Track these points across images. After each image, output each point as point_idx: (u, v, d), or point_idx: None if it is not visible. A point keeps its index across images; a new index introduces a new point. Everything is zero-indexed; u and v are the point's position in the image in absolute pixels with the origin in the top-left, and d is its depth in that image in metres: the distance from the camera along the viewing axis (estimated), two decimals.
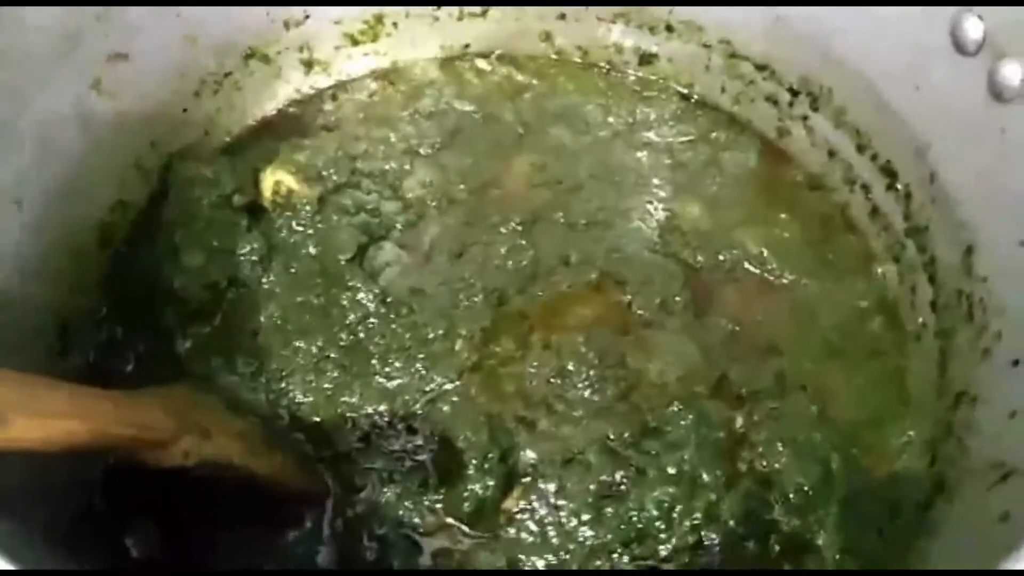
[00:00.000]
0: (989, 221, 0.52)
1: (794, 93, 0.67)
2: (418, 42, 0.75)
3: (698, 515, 0.51)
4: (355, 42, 0.73)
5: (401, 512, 0.52)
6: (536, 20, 0.74)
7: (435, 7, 0.73)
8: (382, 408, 0.55)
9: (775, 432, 0.54)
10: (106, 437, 0.43)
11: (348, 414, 0.55)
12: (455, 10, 0.73)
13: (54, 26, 0.52)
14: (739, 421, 0.55)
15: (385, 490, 0.53)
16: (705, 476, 0.52)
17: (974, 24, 0.50)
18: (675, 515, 0.51)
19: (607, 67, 0.76)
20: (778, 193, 0.69)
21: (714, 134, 0.72)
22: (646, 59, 0.75)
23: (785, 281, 0.63)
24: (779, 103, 0.69)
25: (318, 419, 0.55)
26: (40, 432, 0.41)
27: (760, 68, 0.69)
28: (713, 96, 0.73)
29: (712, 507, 0.51)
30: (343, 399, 0.55)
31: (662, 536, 0.50)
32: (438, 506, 0.52)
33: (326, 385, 0.56)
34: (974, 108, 0.51)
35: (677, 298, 0.61)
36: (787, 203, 0.68)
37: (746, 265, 0.64)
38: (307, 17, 0.69)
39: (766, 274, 0.64)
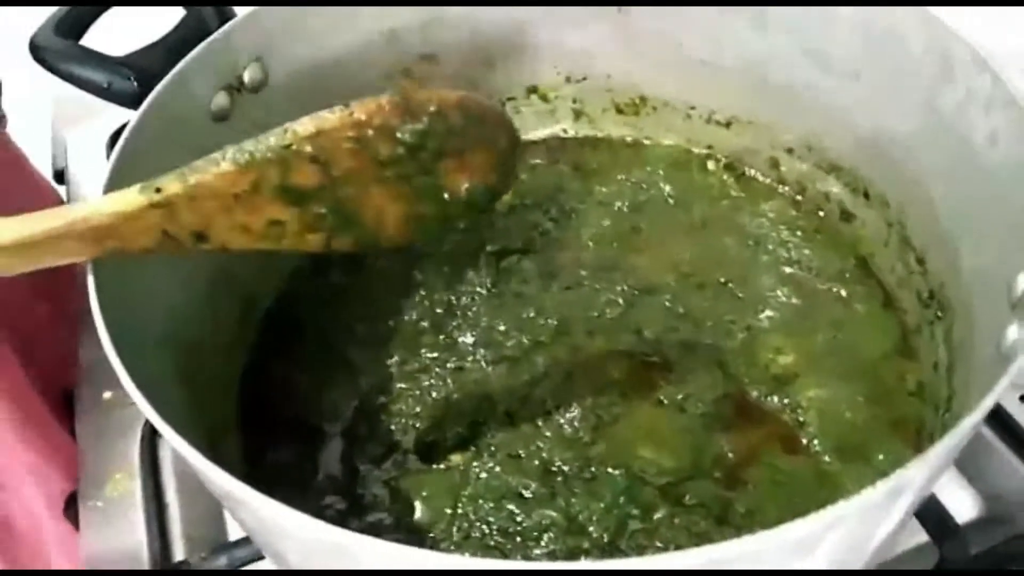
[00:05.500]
0: None
1: (932, 296, 0.67)
2: (670, 129, 0.88)
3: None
4: (619, 111, 0.90)
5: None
6: (768, 146, 0.83)
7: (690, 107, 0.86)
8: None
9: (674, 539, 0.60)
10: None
11: None
12: (705, 112, 0.85)
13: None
14: (660, 512, 0.61)
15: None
16: (592, 530, 0.60)
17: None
18: (551, 534, 0.60)
19: (812, 209, 0.81)
20: (879, 383, 0.68)
21: (861, 306, 0.73)
22: (846, 215, 0.78)
23: (813, 449, 0.65)
24: (922, 299, 0.68)
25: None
26: None
27: (919, 262, 0.69)
28: (883, 272, 0.74)
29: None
30: None
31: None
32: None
33: None
34: None
35: (699, 404, 0.67)
36: (879, 396, 0.67)
37: (785, 419, 0.67)
38: (584, 79, 0.88)
39: (802, 436, 0.66)
